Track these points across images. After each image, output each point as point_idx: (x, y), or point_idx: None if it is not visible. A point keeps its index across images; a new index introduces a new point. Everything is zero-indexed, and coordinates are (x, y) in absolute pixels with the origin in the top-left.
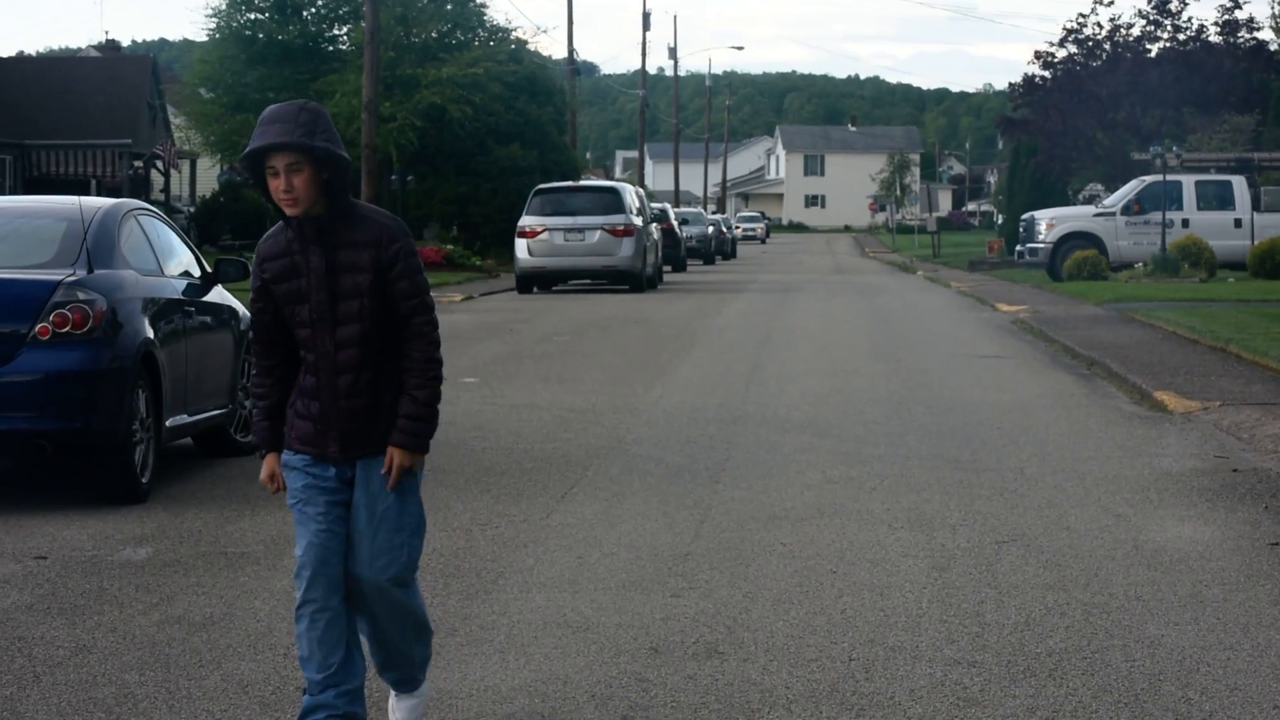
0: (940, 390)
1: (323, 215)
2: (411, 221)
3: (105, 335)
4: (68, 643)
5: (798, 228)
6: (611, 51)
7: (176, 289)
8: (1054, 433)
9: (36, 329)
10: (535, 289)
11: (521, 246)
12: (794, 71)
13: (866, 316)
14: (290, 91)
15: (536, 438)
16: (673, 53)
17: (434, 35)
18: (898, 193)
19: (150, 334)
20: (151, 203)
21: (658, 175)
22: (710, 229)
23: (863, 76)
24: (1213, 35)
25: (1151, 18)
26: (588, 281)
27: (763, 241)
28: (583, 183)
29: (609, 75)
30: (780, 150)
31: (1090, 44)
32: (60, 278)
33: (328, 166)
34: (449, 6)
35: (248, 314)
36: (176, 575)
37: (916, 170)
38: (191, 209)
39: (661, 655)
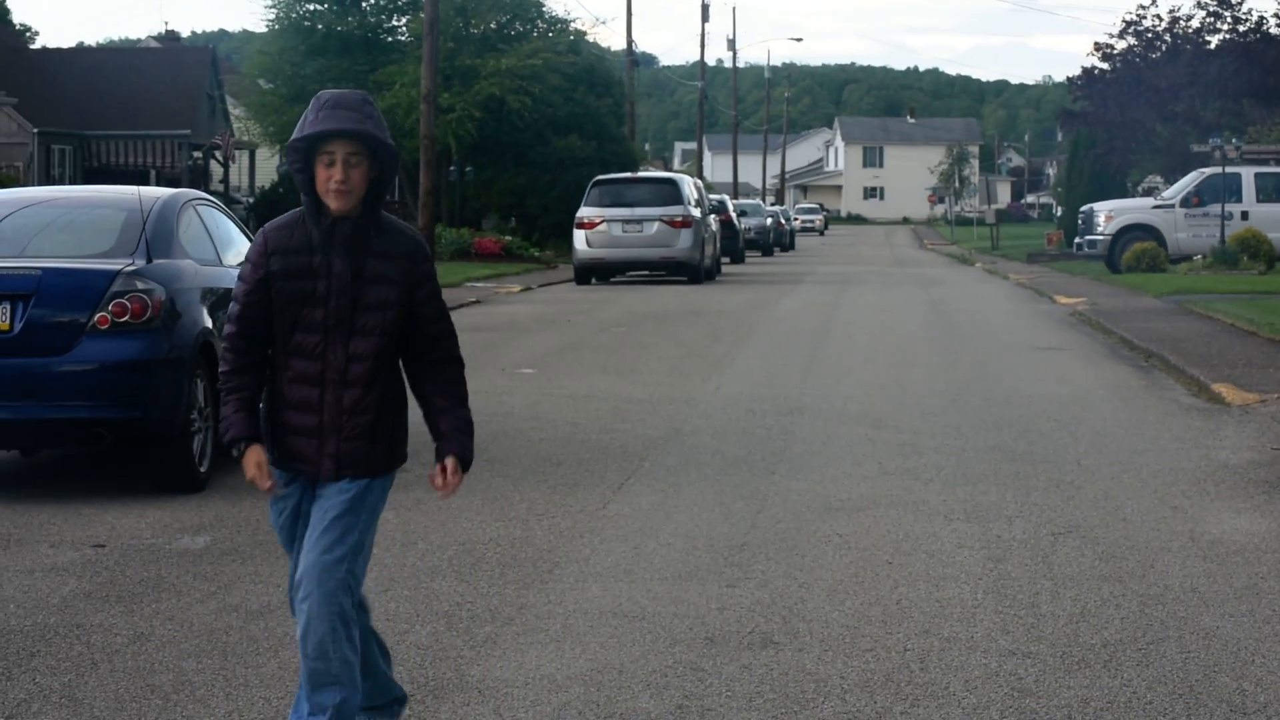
0: (998, 382)
1: (359, 218)
2: (470, 212)
3: (164, 325)
4: (126, 630)
5: (856, 219)
6: (670, 43)
7: (235, 279)
8: (1111, 424)
9: (95, 318)
10: (593, 280)
11: (580, 238)
12: (853, 63)
13: (924, 308)
14: (349, 82)
15: (594, 428)
16: (731, 44)
17: (493, 26)
18: (956, 185)
19: (209, 323)
20: (210, 193)
21: (716, 167)
22: (768, 220)
23: (922, 69)
24: (1273, 27)
25: (1211, 9)
26: (646, 273)
27: (821, 233)
28: (641, 174)
29: (667, 67)
30: (839, 142)
31: (1149, 36)
32: (119, 267)
33: (384, 164)
34: None
35: None
36: (234, 564)
37: (975, 162)
38: (250, 199)
39: (717, 645)
